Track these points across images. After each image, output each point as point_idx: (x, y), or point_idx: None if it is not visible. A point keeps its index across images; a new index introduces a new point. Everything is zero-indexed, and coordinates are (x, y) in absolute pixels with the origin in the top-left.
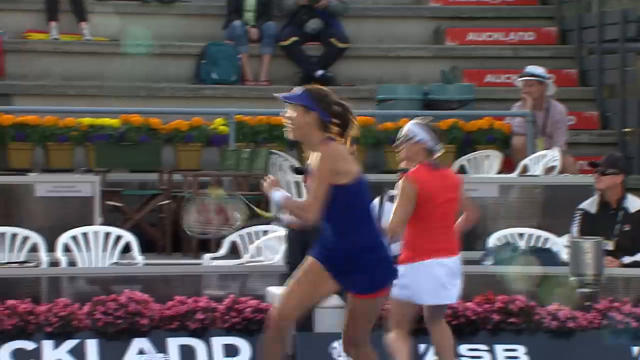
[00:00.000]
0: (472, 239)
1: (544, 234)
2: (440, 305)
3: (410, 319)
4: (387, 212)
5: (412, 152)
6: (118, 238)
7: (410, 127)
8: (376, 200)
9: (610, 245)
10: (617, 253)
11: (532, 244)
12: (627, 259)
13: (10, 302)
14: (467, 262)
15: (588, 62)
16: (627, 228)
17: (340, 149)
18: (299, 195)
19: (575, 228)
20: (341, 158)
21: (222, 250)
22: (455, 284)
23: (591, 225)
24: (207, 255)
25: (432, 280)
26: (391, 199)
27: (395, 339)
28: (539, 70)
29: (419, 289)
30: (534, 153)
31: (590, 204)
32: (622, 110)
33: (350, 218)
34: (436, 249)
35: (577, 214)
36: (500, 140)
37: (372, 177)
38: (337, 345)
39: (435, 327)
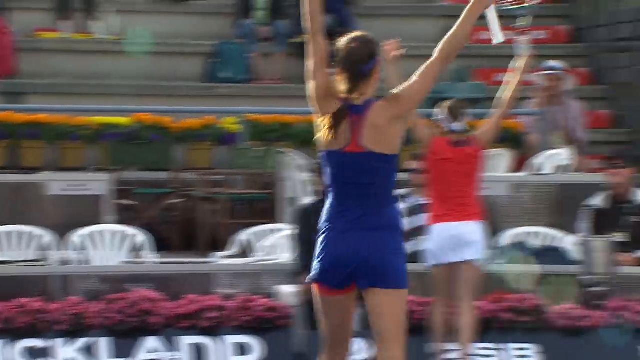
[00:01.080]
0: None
1: (555, 232)
2: (455, 268)
3: (440, 284)
4: None
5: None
6: (130, 236)
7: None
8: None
9: (621, 238)
10: (631, 245)
11: (542, 243)
12: (638, 253)
13: (22, 300)
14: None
15: (600, 61)
16: (637, 219)
17: None
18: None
19: (585, 225)
20: None
21: (233, 249)
22: (466, 246)
23: (602, 221)
24: (219, 254)
25: (438, 242)
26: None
27: (432, 307)
28: (558, 65)
29: (430, 251)
30: (548, 150)
31: (599, 201)
32: (634, 109)
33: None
34: (446, 214)
35: (587, 212)
36: (512, 139)
37: None
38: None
39: (462, 304)
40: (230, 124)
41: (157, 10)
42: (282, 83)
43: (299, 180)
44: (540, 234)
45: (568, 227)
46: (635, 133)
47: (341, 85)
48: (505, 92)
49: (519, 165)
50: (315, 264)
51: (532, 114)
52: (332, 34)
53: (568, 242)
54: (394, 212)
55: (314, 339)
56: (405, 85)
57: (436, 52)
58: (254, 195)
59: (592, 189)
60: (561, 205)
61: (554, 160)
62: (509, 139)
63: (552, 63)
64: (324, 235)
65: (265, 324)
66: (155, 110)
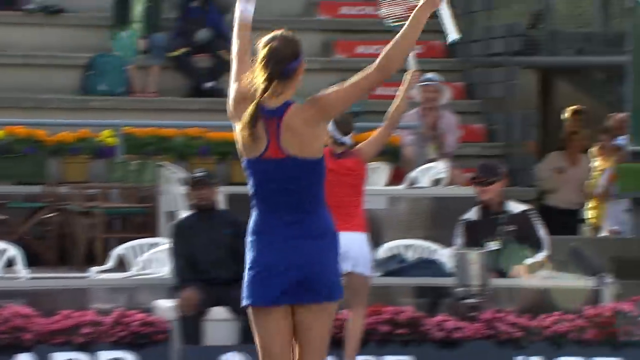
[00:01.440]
0: None
1: (431, 245)
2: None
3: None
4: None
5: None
6: (2, 251)
7: None
8: None
9: (495, 245)
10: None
11: (419, 255)
12: (528, 261)
13: None
14: None
15: (474, 76)
16: (511, 227)
17: None
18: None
19: (459, 240)
20: None
21: (110, 263)
22: (348, 257)
23: (475, 232)
24: (94, 269)
25: None
26: None
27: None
28: (435, 77)
29: None
30: (424, 163)
31: (472, 214)
32: (507, 123)
33: None
34: None
35: (460, 225)
36: (389, 152)
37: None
38: (226, 358)
39: (349, 315)
40: (106, 137)
41: (32, 23)
42: (159, 96)
43: (177, 193)
44: (416, 247)
45: (443, 239)
46: (508, 147)
47: (259, 86)
48: (392, 107)
49: (397, 178)
50: (246, 283)
51: (409, 127)
52: (212, 47)
53: (443, 254)
54: (324, 218)
55: (191, 354)
56: (331, 89)
57: (375, 63)
58: (131, 209)
59: (467, 201)
60: (436, 218)
61: (430, 174)
62: (388, 152)
63: (429, 75)
64: (252, 248)
65: (141, 339)
66: (30, 123)
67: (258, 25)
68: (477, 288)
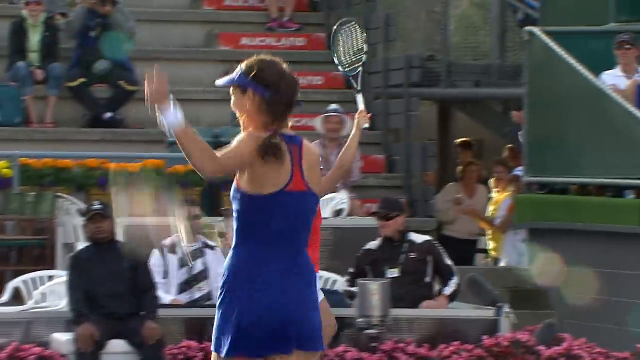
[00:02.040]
0: None
1: (332, 275)
2: None
3: None
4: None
5: None
6: None
7: None
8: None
9: (396, 273)
10: (403, 279)
11: (320, 286)
12: (447, 291)
13: None
14: None
15: (374, 107)
16: (413, 256)
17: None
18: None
19: (351, 269)
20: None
21: (5, 297)
22: None
23: (375, 261)
24: None
25: None
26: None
27: None
28: (339, 108)
29: None
30: (326, 193)
31: (373, 244)
32: (407, 154)
33: None
34: None
35: (362, 255)
36: None
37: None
38: None
39: None
40: (2, 168)
41: None
42: (56, 126)
43: (75, 225)
44: (319, 277)
45: (344, 270)
46: (408, 178)
47: (267, 116)
48: (343, 151)
49: None
50: (232, 329)
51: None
52: (111, 78)
53: (345, 285)
54: (309, 260)
55: None
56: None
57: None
58: (28, 241)
59: (368, 232)
60: (338, 249)
61: (332, 205)
62: None
63: (332, 107)
64: (241, 289)
65: None
66: None
67: (142, 18)
68: (378, 319)
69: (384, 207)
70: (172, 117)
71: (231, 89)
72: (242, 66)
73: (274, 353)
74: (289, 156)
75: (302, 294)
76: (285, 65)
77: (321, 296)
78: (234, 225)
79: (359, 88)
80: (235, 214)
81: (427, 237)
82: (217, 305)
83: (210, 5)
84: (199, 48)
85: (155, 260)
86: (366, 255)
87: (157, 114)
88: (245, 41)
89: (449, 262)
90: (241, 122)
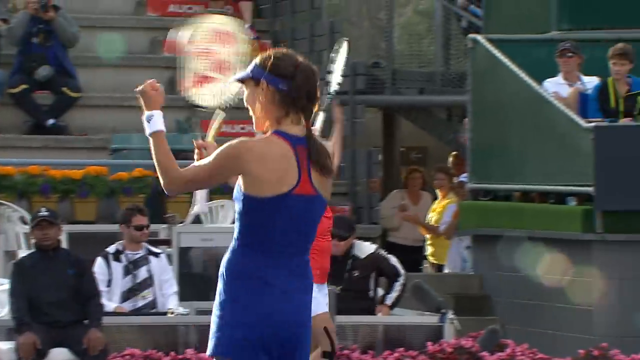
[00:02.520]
0: (206, 289)
1: None
2: None
3: None
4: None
5: None
6: None
7: None
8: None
9: (337, 290)
10: (346, 295)
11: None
12: (388, 300)
13: None
14: (201, 312)
15: (316, 117)
16: (356, 274)
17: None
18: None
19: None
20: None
21: None
22: None
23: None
24: None
25: None
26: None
27: None
28: None
29: None
30: None
31: None
32: (352, 161)
33: None
34: None
35: None
36: None
37: (106, 228)
38: None
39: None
40: None
41: None
42: None
43: (17, 232)
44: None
45: None
46: (353, 185)
47: (281, 109)
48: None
49: None
50: (230, 332)
51: None
52: (53, 84)
53: None
54: (310, 268)
55: None
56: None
57: None
58: None
59: None
60: None
61: None
62: (233, 190)
63: None
64: (241, 293)
65: None
66: None
67: (84, 24)
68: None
69: (340, 229)
70: (157, 124)
71: (244, 84)
72: (256, 59)
73: (272, 356)
74: (294, 158)
75: (302, 302)
76: (301, 57)
77: (324, 307)
78: (236, 226)
79: (324, 107)
80: (237, 215)
81: (372, 249)
82: (216, 307)
83: (155, 11)
84: (143, 54)
85: (98, 268)
86: None
87: (144, 117)
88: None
89: (394, 263)
90: (253, 119)
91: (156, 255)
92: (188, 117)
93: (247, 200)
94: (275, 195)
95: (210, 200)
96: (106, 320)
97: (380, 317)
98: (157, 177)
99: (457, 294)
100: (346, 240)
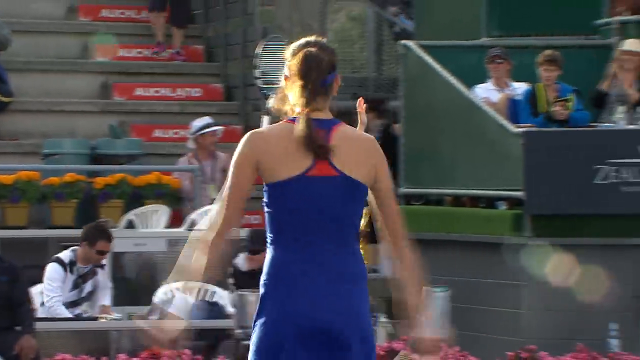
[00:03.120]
0: (139, 294)
1: (212, 287)
2: None
3: None
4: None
5: None
6: None
7: None
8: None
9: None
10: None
11: (201, 297)
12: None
13: None
14: (129, 316)
15: (253, 118)
16: None
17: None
18: None
19: (235, 281)
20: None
21: None
22: None
23: (244, 279)
24: None
25: None
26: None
27: None
28: (212, 121)
29: None
30: (204, 205)
31: (239, 260)
32: None
33: None
34: None
35: (234, 268)
36: (169, 195)
37: (38, 233)
38: None
39: None
40: None
41: None
42: None
43: None
44: (198, 289)
45: (223, 282)
46: None
47: (298, 100)
48: None
49: (177, 220)
50: (263, 329)
51: (188, 170)
52: None
53: (223, 296)
54: (360, 257)
55: None
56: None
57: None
58: None
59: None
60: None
61: (209, 216)
62: (167, 195)
63: (207, 119)
64: (272, 290)
65: None
66: None
67: (16, 28)
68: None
69: (254, 243)
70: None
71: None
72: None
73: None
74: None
75: (323, 291)
76: (313, 45)
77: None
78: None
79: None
80: (264, 209)
81: None
82: (256, 312)
83: (86, 16)
84: (74, 59)
85: (56, 274)
86: (234, 272)
87: None
88: (122, 52)
89: None
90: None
91: (102, 266)
92: (121, 122)
93: (264, 192)
94: (290, 177)
95: (143, 206)
96: (38, 325)
97: None
98: (90, 182)
99: (388, 297)
100: (260, 254)
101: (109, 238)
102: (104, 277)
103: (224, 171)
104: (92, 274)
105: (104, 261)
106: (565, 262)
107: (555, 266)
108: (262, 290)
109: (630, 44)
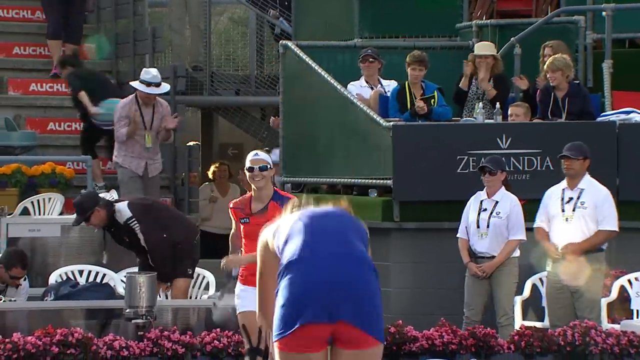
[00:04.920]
0: (33, 277)
1: (103, 270)
2: None
3: None
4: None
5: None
6: None
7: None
8: None
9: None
10: None
11: (91, 279)
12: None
13: None
14: (29, 298)
15: None
16: None
17: None
18: None
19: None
20: None
21: None
22: None
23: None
24: None
25: None
26: None
27: None
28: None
29: None
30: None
31: None
32: (173, 156)
33: None
34: None
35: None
36: (62, 184)
37: None
38: None
39: None
40: None
41: None
42: None
43: None
44: (88, 271)
45: (115, 265)
46: (175, 178)
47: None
48: None
49: (70, 207)
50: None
51: (79, 160)
52: None
53: (114, 278)
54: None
55: None
56: None
57: None
58: None
59: None
60: (107, 245)
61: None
62: (61, 183)
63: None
64: (292, 273)
65: None
66: None
67: None
68: (145, 309)
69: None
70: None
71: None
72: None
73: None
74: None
75: (347, 263)
76: None
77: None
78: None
79: None
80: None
81: None
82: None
83: None
84: None
85: None
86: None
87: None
88: (17, 50)
89: None
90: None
91: (17, 286)
92: (16, 116)
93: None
94: None
95: (38, 194)
96: None
97: (198, 301)
98: None
99: None
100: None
101: (24, 266)
102: (18, 297)
103: (163, 117)
104: (3, 292)
105: (22, 281)
106: (428, 245)
107: (420, 248)
108: None
109: (480, 48)
